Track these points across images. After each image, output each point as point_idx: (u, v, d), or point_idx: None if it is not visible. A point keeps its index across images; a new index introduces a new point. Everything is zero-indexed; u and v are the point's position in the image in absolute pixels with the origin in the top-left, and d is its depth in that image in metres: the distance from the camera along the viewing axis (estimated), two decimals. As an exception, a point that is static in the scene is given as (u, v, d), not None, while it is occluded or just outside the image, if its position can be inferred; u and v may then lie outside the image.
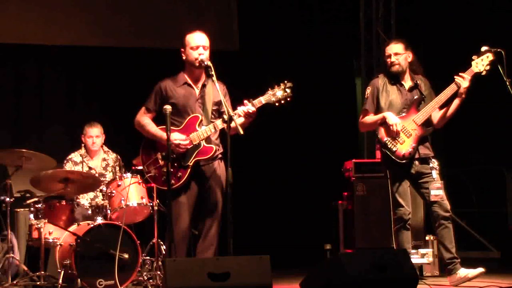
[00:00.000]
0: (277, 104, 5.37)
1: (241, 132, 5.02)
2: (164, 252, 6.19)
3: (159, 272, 6.05)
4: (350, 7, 9.16)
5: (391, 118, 5.89)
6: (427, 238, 6.95)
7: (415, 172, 5.92)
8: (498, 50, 5.79)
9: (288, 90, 5.37)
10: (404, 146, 5.87)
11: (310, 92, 8.92)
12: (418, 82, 6.00)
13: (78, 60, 8.48)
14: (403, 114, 5.93)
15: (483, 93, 6.48)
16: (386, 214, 6.57)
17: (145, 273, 6.33)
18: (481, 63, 5.83)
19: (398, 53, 6.00)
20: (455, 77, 5.86)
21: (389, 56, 6.02)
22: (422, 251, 6.83)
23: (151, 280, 6.18)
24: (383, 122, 5.92)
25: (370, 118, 6.04)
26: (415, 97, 5.95)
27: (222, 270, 4.36)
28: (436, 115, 6.00)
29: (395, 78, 6.02)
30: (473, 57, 5.86)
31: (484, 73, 5.84)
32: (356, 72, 9.57)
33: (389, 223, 6.18)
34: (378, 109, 6.02)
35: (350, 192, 7.13)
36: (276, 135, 9.09)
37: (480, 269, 5.72)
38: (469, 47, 6.03)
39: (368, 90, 6.11)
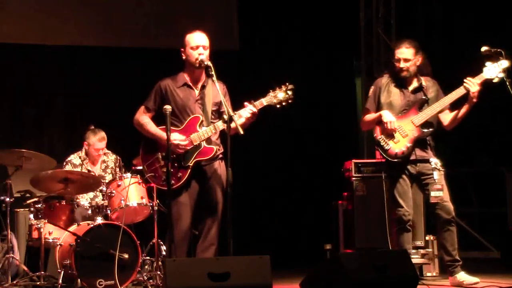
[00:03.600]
0: (278, 106, 5.37)
1: (241, 132, 5.02)
2: (164, 252, 6.19)
3: (159, 272, 6.04)
4: (350, 7, 9.15)
5: (386, 116, 5.84)
6: (427, 238, 6.94)
7: (416, 172, 5.90)
8: (498, 50, 5.70)
9: (289, 92, 5.37)
10: (398, 145, 5.84)
11: (310, 92, 8.92)
12: (423, 84, 5.93)
13: (77, 60, 8.48)
14: (401, 115, 5.89)
15: (483, 93, 6.48)
16: (386, 214, 6.57)
17: (145, 273, 6.32)
18: (493, 70, 5.66)
19: (408, 59, 5.85)
20: (464, 80, 5.72)
21: (398, 60, 5.88)
22: (422, 251, 6.82)
23: (151, 280, 6.18)
24: (380, 121, 5.90)
25: (369, 116, 6.03)
26: (418, 99, 5.89)
27: (222, 270, 4.36)
28: (447, 117, 5.92)
29: (400, 81, 5.94)
30: (486, 63, 5.67)
31: (496, 80, 5.67)
32: (356, 72, 9.56)
33: (388, 223, 6.17)
34: (378, 109, 5.99)
35: (350, 192, 7.12)
36: (276, 135, 9.09)
37: (476, 279, 5.72)
38: (469, 47, 6.01)
39: (371, 89, 6.10)
